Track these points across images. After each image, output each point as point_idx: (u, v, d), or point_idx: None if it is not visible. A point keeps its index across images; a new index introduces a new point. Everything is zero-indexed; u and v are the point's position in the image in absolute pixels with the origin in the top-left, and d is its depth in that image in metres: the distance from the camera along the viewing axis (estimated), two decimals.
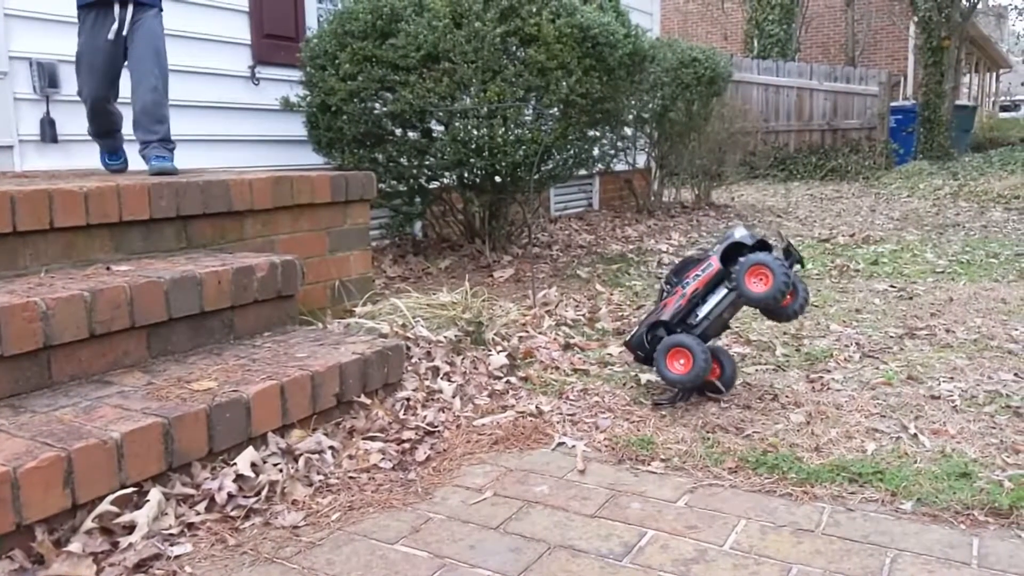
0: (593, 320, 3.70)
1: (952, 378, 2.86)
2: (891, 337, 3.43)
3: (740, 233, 2.63)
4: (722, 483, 2.15)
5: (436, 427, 2.48)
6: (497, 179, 4.64)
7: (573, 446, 2.39)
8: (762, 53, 14.69)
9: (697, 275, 2.64)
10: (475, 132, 4.31)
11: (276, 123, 4.74)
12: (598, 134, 5.14)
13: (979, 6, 17.26)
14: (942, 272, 4.90)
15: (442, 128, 4.42)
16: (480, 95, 4.21)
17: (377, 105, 4.37)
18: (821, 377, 2.94)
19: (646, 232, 6.66)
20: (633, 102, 6.19)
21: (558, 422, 2.56)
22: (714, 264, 2.62)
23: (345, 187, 3.28)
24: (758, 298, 2.50)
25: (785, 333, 3.54)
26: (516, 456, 2.35)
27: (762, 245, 2.60)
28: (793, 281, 2.53)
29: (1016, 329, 3.49)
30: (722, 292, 2.62)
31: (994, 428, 2.40)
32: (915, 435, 2.37)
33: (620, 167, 7.15)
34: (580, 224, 6.82)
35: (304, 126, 4.65)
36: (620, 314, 3.86)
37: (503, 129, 4.24)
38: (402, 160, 4.53)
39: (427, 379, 2.69)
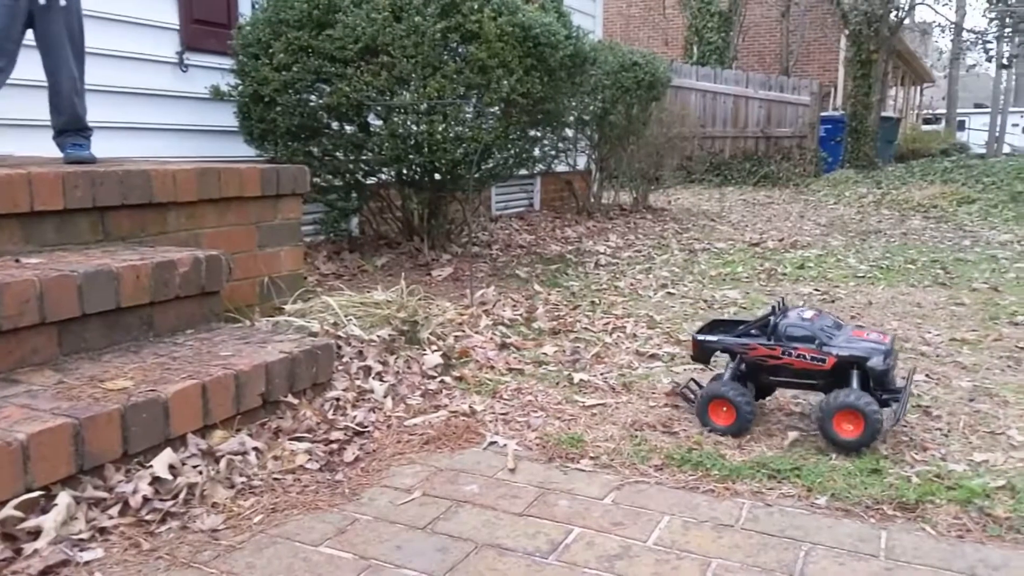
0: (530, 320, 3.72)
1: None
2: None
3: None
4: (648, 480, 2.19)
5: (366, 427, 2.46)
6: (437, 176, 4.62)
7: (504, 445, 2.40)
8: (701, 60, 15.00)
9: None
10: (414, 128, 4.28)
11: (206, 112, 4.61)
12: (539, 134, 5.16)
13: (906, 22, 17.96)
14: (863, 277, 5.08)
15: (380, 123, 4.37)
16: (420, 91, 4.18)
17: (313, 97, 4.30)
18: None
19: (585, 233, 6.72)
20: (574, 104, 6.22)
21: (491, 421, 2.56)
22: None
23: (276, 180, 3.21)
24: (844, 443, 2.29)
25: None
26: (447, 456, 2.35)
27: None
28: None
29: (929, 332, 3.65)
30: None
31: (905, 426, 2.50)
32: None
33: (561, 168, 7.21)
34: (521, 224, 6.85)
35: (236, 116, 4.53)
36: (557, 314, 3.89)
37: (443, 126, 4.21)
38: (338, 154, 4.46)
39: (358, 379, 2.66)
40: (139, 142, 4.30)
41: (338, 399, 2.50)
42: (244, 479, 2.08)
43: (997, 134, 23.91)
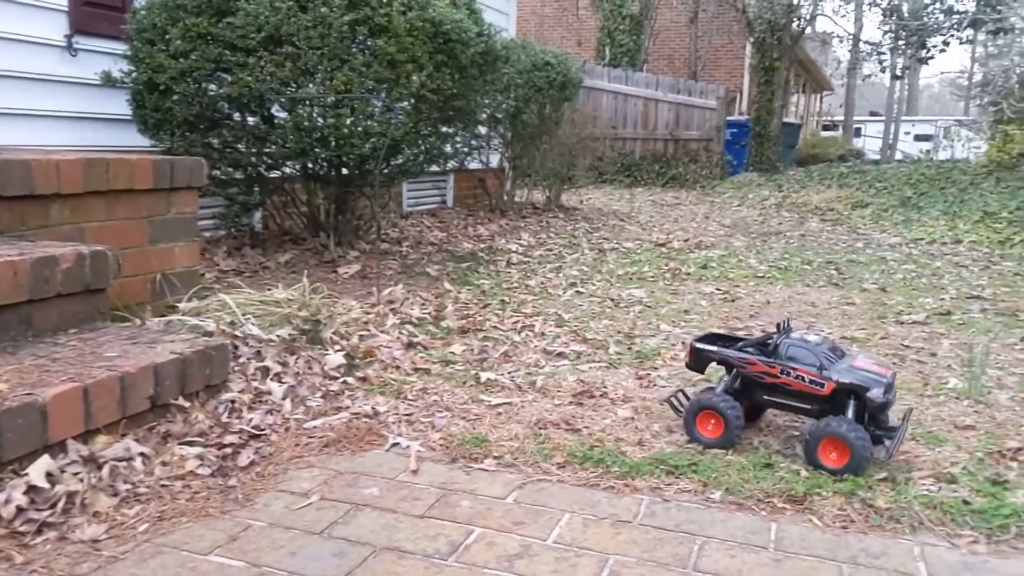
0: (439, 318, 3.68)
1: None
2: None
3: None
4: (551, 478, 2.20)
5: (263, 430, 2.38)
6: (344, 171, 4.52)
7: (407, 446, 2.36)
8: (613, 61, 15.26)
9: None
10: (320, 121, 4.18)
11: (97, 100, 4.37)
12: (451, 131, 5.13)
13: (807, 32, 18.76)
14: (762, 277, 5.27)
15: (285, 115, 4.24)
16: (326, 83, 4.08)
17: (213, 86, 4.13)
18: (648, 374, 3.07)
19: (498, 231, 6.73)
20: (487, 101, 6.23)
21: (394, 423, 2.52)
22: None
23: (170, 172, 3.07)
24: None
25: (619, 332, 3.68)
26: (347, 458, 2.30)
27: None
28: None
29: (823, 330, 3.81)
30: None
31: (796, 420, 2.60)
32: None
33: (474, 166, 7.19)
34: (433, 221, 6.80)
35: (129, 104, 4.31)
36: (466, 312, 3.87)
37: (351, 120, 4.13)
38: (239, 146, 4.31)
39: (255, 380, 2.58)
40: (22, 129, 4.04)
41: (233, 401, 2.41)
42: (129, 486, 1.98)
43: (890, 141, 25.29)
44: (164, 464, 2.09)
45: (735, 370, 2.44)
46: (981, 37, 21.43)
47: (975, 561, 1.80)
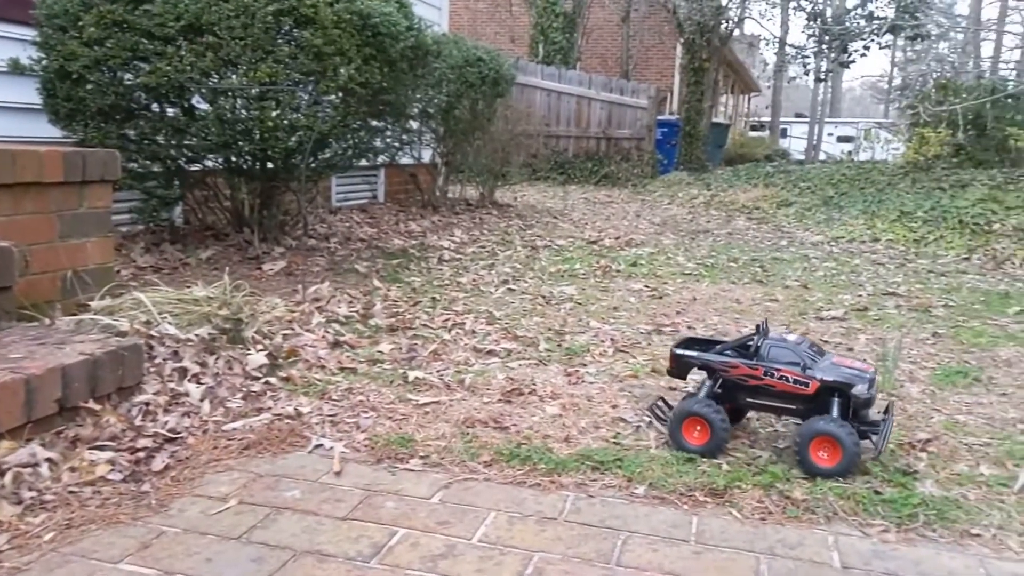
0: (367, 316, 3.63)
1: None
2: (641, 333, 3.70)
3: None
4: (477, 477, 2.19)
5: (179, 433, 2.30)
6: (269, 165, 4.41)
7: (331, 448, 2.32)
8: (546, 59, 15.33)
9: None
10: (244, 113, 4.06)
11: (3, 88, 4.15)
12: (381, 125, 5.06)
13: (735, 33, 19.23)
14: (690, 274, 5.38)
15: (207, 106, 4.11)
16: (250, 74, 3.97)
17: (129, 76, 3.97)
18: (577, 371, 3.09)
19: (430, 228, 6.67)
20: (418, 96, 6.16)
21: (317, 423, 2.47)
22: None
23: (82, 165, 2.93)
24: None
25: (549, 329, 3.69)
26: (268, 461, 2.24)
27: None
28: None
29: (746, 326, 3.90)
30: None
31: (759, 417, 2.65)
32: (653, 424, 2.55)
33: (406, 161, 7.11)
34: (363, 216, 6.70)
35: (39, 93, 4.10)
36: (396, 310, 3.82)
37: (276, 112, 4.03)
38: (158, 138, 4.15)
39: (172, 381, 2.49)
40: None
41: (148, 404, 2.33)
42: (34, 493, 1.89)
43: (814, 142, 26.16)
44: (73, 470, 2.00)
45: (716, 374, 2.40)
46: (900, 42, 22.40)
47: (885, 549, 1.87)
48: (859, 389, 2.24)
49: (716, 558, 1.81)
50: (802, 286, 5.09)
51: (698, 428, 2.30)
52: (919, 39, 19.40)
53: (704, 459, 2.29)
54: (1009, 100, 10.93)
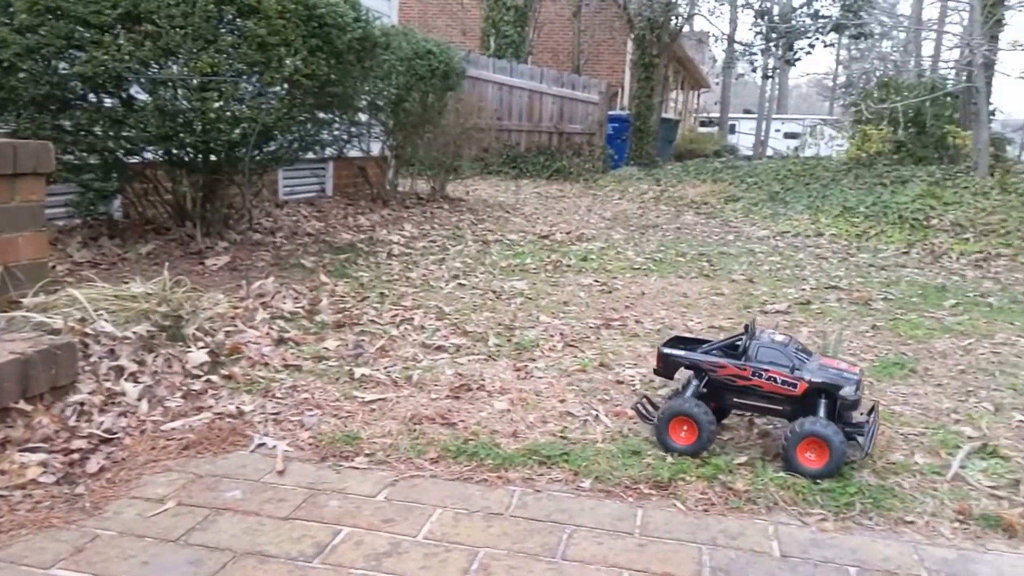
0: (313, 312, 3.57)
1: (636, 364, 3.16)
2: (590, 328, 3.72)
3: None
4: (423, 474, 2.17)
5: (115, 434, 2.23)
6: (212, 158, 4.31)
7: (274, 446, 2.28)
8: (498, 52, 15.29)
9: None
10: (185, 104, 3.96)
11: None
12: (329, 118, 4.98)
13: (685, 30, 19.46)
14: (639, 268, 5.43)
15: (146, 97, 3.99)
16: (191, 64, 3.87)
17: (64, 65, 3.83)
18: (526, 365, 3.09)
19: (379, 222, 6.61)
20: (367, 88, 6.09)
21: (260, 422, 2.43)
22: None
23: (13, 157, 2.82)
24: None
25: (499, 324, 3.69)
26: (208, 461, 2.19)
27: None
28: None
29: (692, 320, 3.95)
30: None
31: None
32: (599, 417, 2.57)
33: (355, 154, 7.03)
34: (310, 210, 6.59)
35: None
36: (343, 306, 3.77)
37: (218, 104, 3.93)
38: (95, 129, 4.02)
39: (108, 380, 2.41)
40: None
41: (82, 404, 2.25)
42: None
43: (762, 138, 26.63)
44: (2, 473, 1.94)
45: (704, 374, 2.39)
46: (844, 41, 22.94)
47: (823, 538, 1.91)
48: (847, 391, 2.25)
49: (660, 550, 1.83)
50: (748, 280, 5.18)
51: (685, 428, 2.28)
52: (863, 38, 19.93)
53: (649, 452, 2.31)
54: (948, 98, 11.28)
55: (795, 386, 2.28)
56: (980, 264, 6.32)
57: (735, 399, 2.40)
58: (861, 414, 2.40)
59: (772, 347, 2.35)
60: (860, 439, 2.25)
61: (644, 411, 2.49)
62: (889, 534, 1.94)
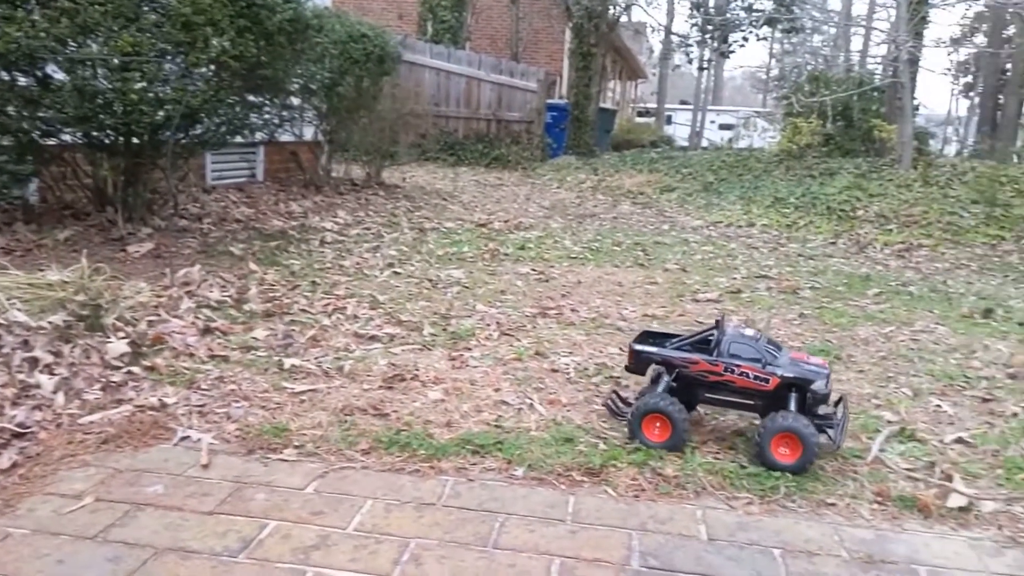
0: (241, 301, 3.48)
1: (571, 352, 3.18)
2: (527, 316, 3.72)
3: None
4: (354, 465, 2.14)
5: (29, 428, 2.14)
6: (135, 140, 4.14)
7: (198, 439, 2.21)
8: (435, 38, 15.11)
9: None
10: (105, 85, 3.79)
11: None
12: (259, 101, 4.84)
13: (622, 19, 19.60)
14: (575, 258, 5.46)
15: (64, 76, 3.80)
16: (111, 43, 3.70)
17: None
18: (462, 355, 3.07)
19: (312, 208, 6.47)
20: (299, 71, 5.94)
21: (184, 415, 2.35)
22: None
23: None
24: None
25: (435, 313, 3.66)
26: (129, 455, 2.12)
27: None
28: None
29: (626, 309, 4.00)
30: None
31: (598, 396, 2.70)
32: (533, 406, 2.57)
33: (287, 138, 6.86)
34: (240, 196, 6.41)
35: None
36: (272, 295, 3.68)
37: (140, 85, 3.78)
38: (8, 109, 3.81)
39: (21, 372, 2.31)
40: None
41: None
42: None
43: (698, 129, 27.05)
44: None
45: (675, 370, 2.38)
46: (778, 35, 23.46)
47: (749, 521, 1.96)
48: (818, 385, 2.27)
49: (591, 536, 1.84)
50: (681, 269, 5.26)
51: (658, 424, 2.27)
52: (794, 32, 20.42)
53: (582, 440, 2.32)
54: (874, 93, 11.66)
55: (767, 381, 2.29)
56: (902, 254, 6.57)
57: (707, 394, 2.40)
58: (827, 406, 2.42)
59: (743, 342, 2.35)
60: (830, 432, 2.27)
61: (615, 407, 2.47)
62: (811, 516, 2.00)
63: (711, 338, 2.41)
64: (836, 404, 2.42)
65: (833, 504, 2.05)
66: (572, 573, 1.70)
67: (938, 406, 2.81)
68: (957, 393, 2.98)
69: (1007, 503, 2.10)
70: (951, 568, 1.80)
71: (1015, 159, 12.59)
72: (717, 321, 2.45)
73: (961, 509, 2.04)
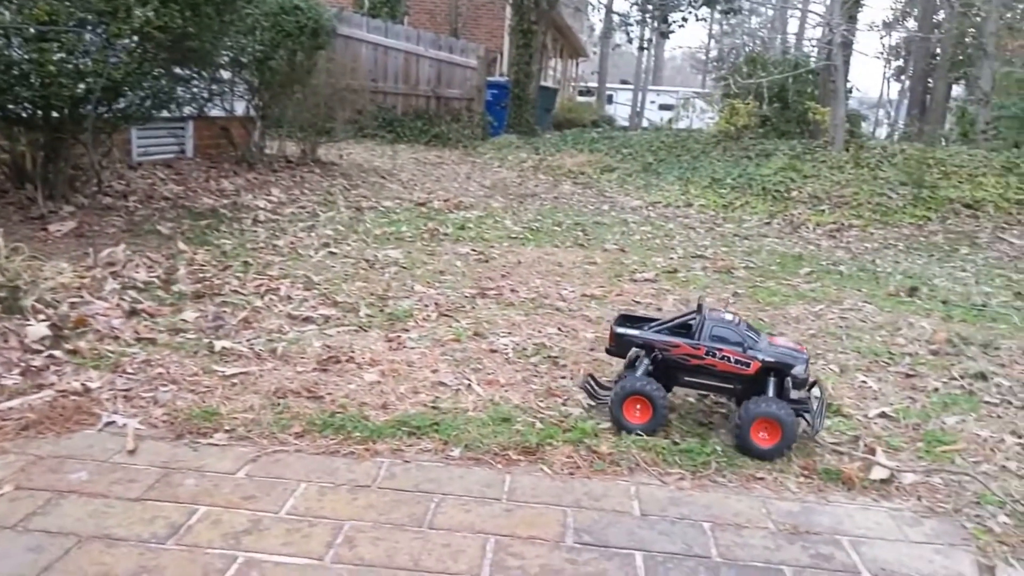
0: (169, 282, 3.37)
1: (510, 333, 3.18)
2: (466, 297, 3.70)
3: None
4: (287, 449, 2.11)
5: None
6: (54, 114, 3.96)
7: (124, 424, 2.15)
8: (372, 11, 14.79)
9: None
10: (20, 55, 3.60)
11: None
12: (186, 74, 4.67)
13: None
14: (516, 238, 5.45)
15: None
16: (25, 12, 3.51)
17: None
18: (399, 336, 3.05)
19: (244, 186, 6.30)
20: (229, 44, 5.75)
21: (109, 399, 2.28)
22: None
23: None
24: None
25: (372, 294, 3.61)
26: (51, 441, 2.04)
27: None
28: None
29: (565, 289, 4.02)
30: None
31: (536, 376, 2.72)
32: (471, 386, 2.57)
33: (217, 113, 6.65)
34: (168, 173, 6.20)
35: None
36: (202, 275, 3.58)
37: (59, 56, 3.60)
38: None
39: None
40: None
41: None
42: None
43: (638, 109, 27.28)
44: None
45: (656, 353, 2.37)
46: (716, 16, 23.76)
47: (681, 496, 2.00)
48: (798, 370, 2.29)
49: (526, 514, 1.86)
50: (620, 249, 5.31)
51: (639, 407, 2.27)
52: (732, 13, 20.70)
53: (519, 419, 2.33)
54: (809, 75, 11.91)
55: (748, 365, 2.31)
56: (834, 234, 6.77)
57: (687, 378, 2.41)
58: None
59: (724, 326, 2.36)
60: (807, 416, 2.29)
61: (591, 389, 2.46)
62: (741, 490, 2.05)
63: (691, 322, 2.42)
64: (810, 388, 2.45)
65: (762, 479, 2.11)
66: (507, 551, 1.71)
67: (863, 382, 2.91)
68: (882, 369, 3.09)
69: (926, 475, 2.19)
70: (872, 538, 1.87)
71: (942, 142, 13.06)
72: (699, 305, 2.47)
73: (883, 481, 2.12)
